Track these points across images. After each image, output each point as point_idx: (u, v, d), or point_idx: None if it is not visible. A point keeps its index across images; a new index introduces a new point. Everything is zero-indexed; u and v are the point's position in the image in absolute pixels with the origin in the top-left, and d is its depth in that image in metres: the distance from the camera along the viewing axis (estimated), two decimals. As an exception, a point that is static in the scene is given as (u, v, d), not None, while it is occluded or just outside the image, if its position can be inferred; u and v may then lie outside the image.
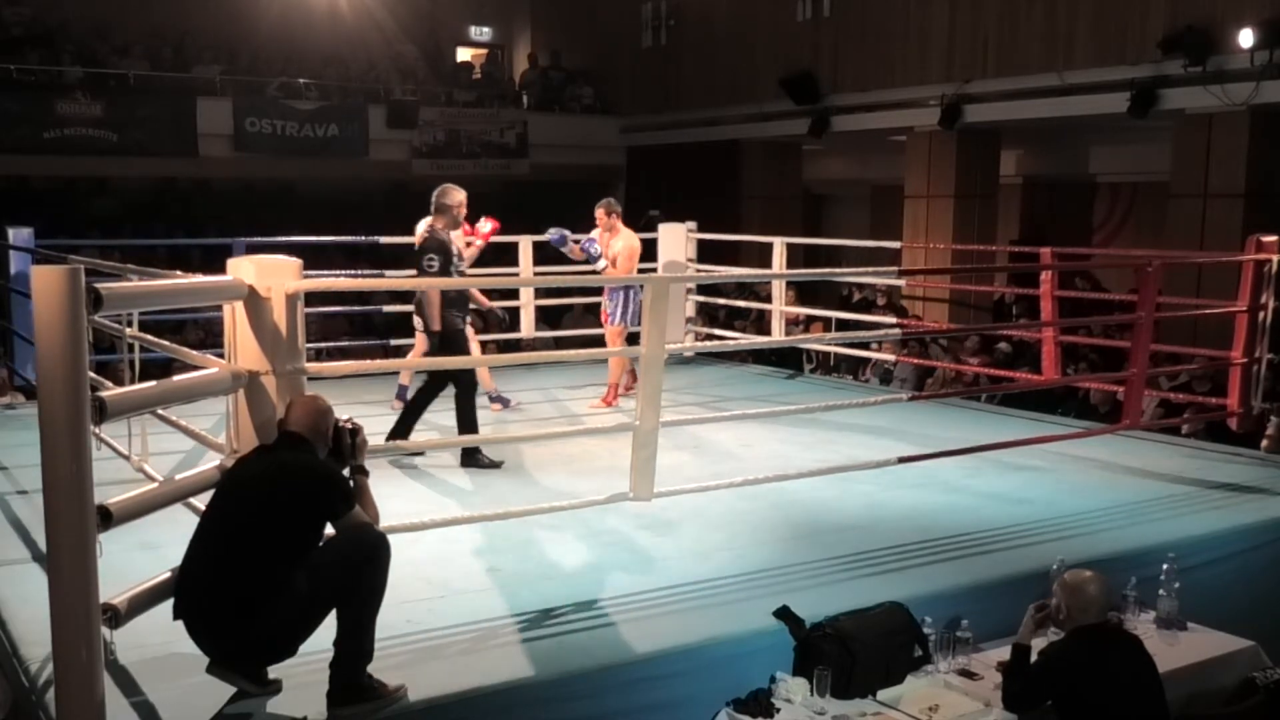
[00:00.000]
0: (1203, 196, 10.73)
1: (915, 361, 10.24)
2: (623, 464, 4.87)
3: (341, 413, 3.85)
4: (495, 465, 6.35)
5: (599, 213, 8.12)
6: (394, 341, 10.13)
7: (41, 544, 3.44)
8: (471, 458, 6.37)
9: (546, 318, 11.25)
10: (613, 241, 8.04)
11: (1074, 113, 11.75)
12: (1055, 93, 11.72)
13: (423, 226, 6.81)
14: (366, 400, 7.63)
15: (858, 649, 3.99)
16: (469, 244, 7.41)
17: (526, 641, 3.97)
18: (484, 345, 8.69)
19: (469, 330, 7.49)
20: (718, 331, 10.92)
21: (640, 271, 8.36)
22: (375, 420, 6.74)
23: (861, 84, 13.83)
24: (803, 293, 11.89)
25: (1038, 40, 11.85)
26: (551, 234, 8.11)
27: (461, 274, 6.88)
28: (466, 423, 6.30)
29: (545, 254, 9.07)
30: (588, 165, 18.25)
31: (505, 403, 7.98)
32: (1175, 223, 11.17)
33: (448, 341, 6.40)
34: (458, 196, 6.59)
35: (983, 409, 8.40)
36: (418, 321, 7.28)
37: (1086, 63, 11.39)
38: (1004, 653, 4.28)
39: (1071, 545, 5.04)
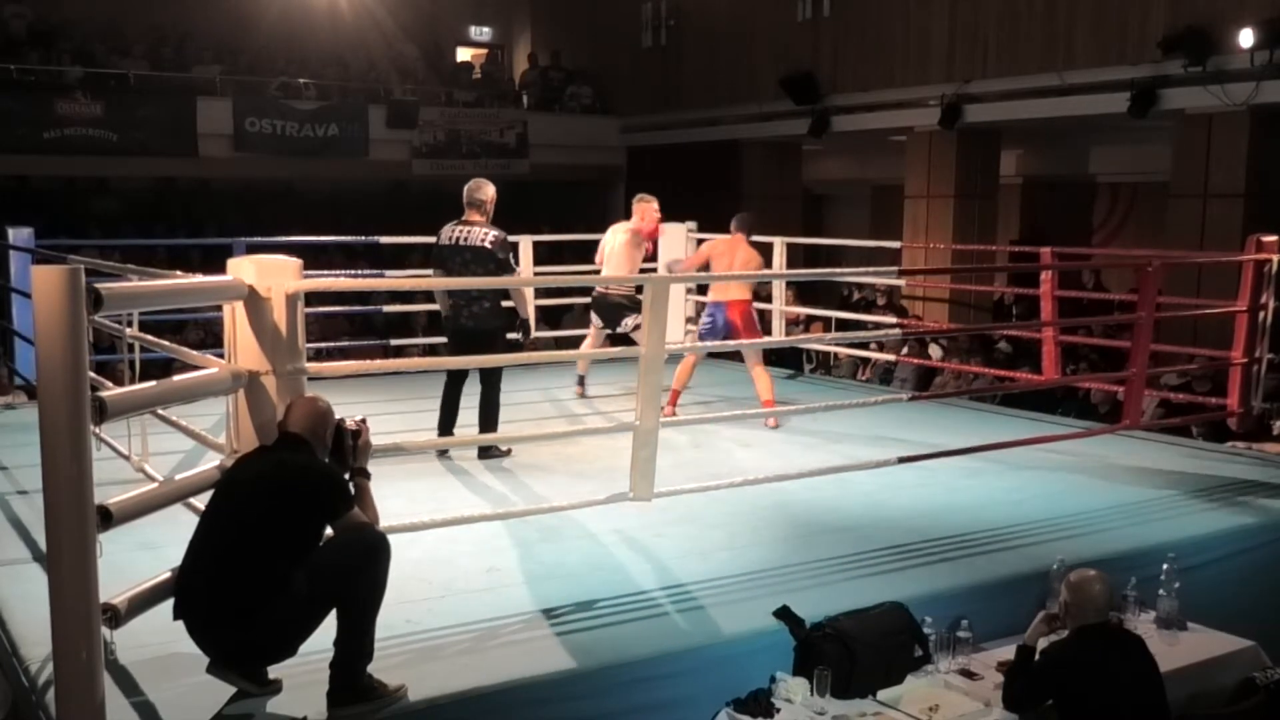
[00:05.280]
0: (1203, 196, 10.73)
1: (915, 361, 10.24)
2: (623, 464, 4.87)
3: (343, 413, 3.84)
4: (505, 453, 6.62)
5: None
6: (394, 341, 10.14)
7: (41, 544, 3.44)
8: (486, 450, 6.60)
9: (546, 318, 11.25)
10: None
11: (1074, 113, 11.75)
12: (1055, 93, 11.72)
13: (491, 231, 6.52)
14: (366, 401, 7.62)
15: (858, 649, 3.99)
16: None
17: (526, 641, 3.97)
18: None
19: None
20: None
21: (642, 271, 8.36)
22: (376, 420, 6.74)
23: (861, 84, 13.83)
24: (803, 293, 11.89)
25: (1038, 40, 11.86)
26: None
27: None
28: (493, 417, 6.55)
29: (545, 254, 9.08)
30: (588, 165, 18.26)
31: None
32: (1175, 223, 11.17)
33: (501, 337, 6.65)
34: (490, 190, 6.65)
35: (983, 409, 8.39)
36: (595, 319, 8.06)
37: (1086, 63, 11.39)
38: (1004, 653, 4.29)
39: (1071, 545, 5.04)
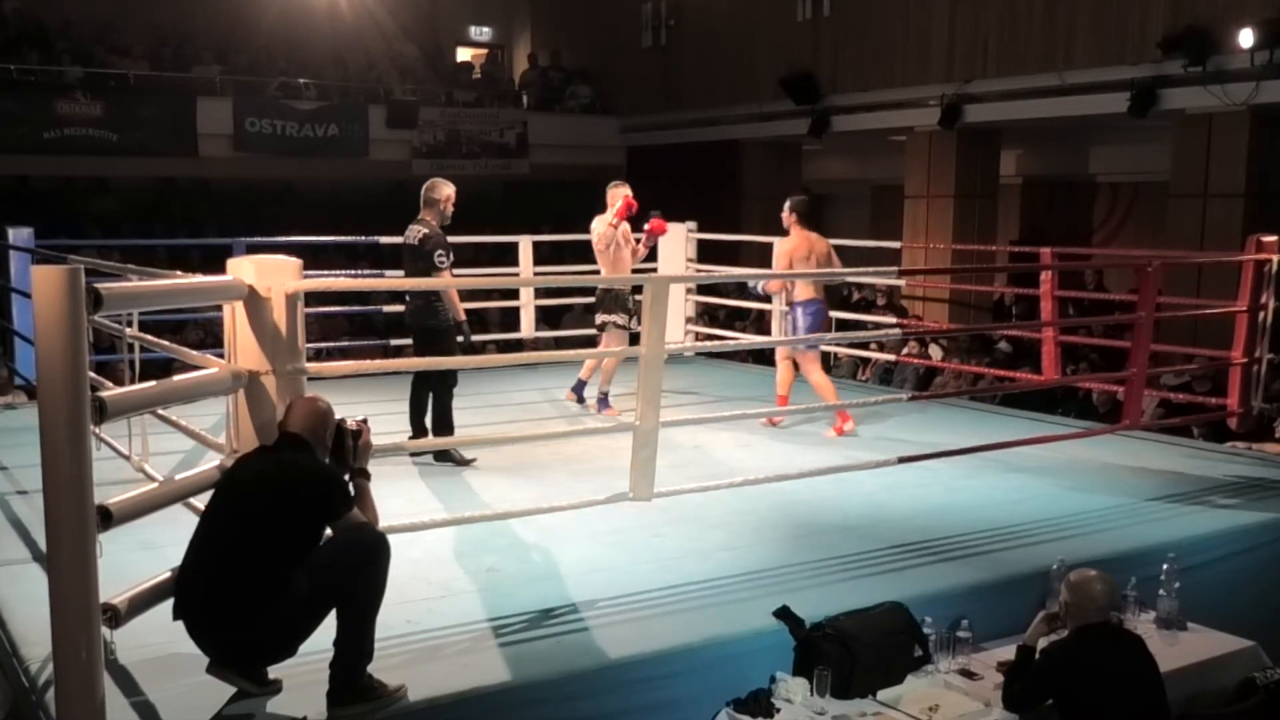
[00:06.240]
0: (1203, 196, 10.73)
1: (915, 361, 10.24)
2: (623, 464, 4.86)
3: (343, 413, 3.84)
4: (466, 462, 6.40)
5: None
6: (394, 341, 10.14)
7: (41, 544, 3.44)
8: (445, 454, 6.43)
9: (546, 318, 11.24)
10: (780, 242, 7.49)
11: (1074, 113, 11.75)
12: (1055, 93, 11.73)
13: (424, 230, 6.53)
14: (366, 401, 7.61)
15: (858, 649, 3.99)
16: (638, 240, 7.68)
17: (526, 641, 3.97)
18: (483, 345, 8.68)
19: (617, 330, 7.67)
20: (717, 331, 10.93)
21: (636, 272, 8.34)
22: (376, 420, 6.74)
23: (861, 84, 13.84)
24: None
25: (1038, 40, 11.86)
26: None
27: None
28: (444, 422, 6.47)
29: (546, 254, 9.07)
30: (588, 165, 18.25)
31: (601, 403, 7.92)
32: (1175, 223, 11.18)
33: (443, 337, 6.48)
34: (445, 190, 6.60)
35: (983, 409, 8.40)
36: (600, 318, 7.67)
37: (1086, 63, 11.39)
38: (1004, 653, 4.29)
39: (1071, 545, 5.04)
